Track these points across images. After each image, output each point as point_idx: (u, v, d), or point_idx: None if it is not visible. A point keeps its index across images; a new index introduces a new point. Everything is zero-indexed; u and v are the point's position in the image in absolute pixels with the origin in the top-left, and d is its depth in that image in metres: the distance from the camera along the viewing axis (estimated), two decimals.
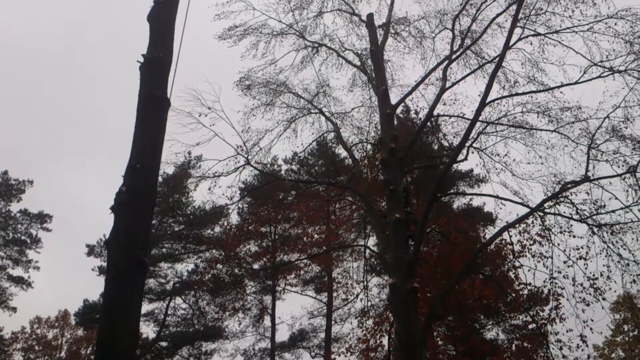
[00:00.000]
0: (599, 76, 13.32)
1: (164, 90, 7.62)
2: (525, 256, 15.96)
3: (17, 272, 33.59)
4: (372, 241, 19.64)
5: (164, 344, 29.65)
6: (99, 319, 22.68)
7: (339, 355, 20.03)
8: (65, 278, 54.84)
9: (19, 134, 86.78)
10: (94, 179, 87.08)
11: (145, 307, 28.69)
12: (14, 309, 33.67)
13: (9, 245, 33.45)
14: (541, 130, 14.79)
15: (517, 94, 14.63)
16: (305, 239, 25.22)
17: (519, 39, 13.91)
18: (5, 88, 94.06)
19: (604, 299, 13.30)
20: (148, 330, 30.00)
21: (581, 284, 13.46)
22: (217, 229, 28.75)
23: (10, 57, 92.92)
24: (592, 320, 13.41)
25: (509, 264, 17.50)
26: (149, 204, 6.97)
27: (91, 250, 29.93)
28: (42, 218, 34.18)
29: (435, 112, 14.71)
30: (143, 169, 6.89)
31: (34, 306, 48.34)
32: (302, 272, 27.97)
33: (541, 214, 13.73)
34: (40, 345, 39.88)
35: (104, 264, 28.11)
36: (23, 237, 33.83)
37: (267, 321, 30.17)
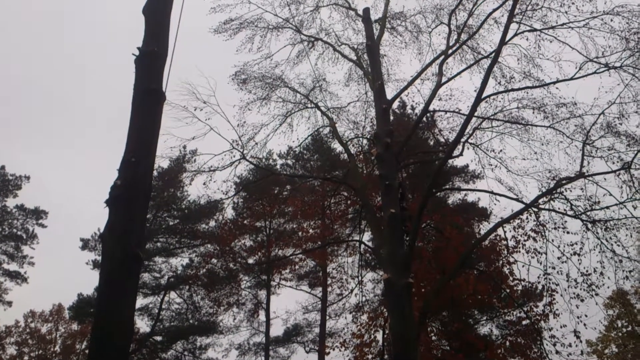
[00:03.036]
0: (595, 72, 13.34)
1: (160, 84, 7.59)
2: (520, 252, 16.04)
3: (13, 267, 33.68)
4: (367, 236, 19.71)
5: (158, 338, 29.65)
6: (93, 313, 22.67)
7: (334, 349, 20.08)
8: (58, 271, 54.69)
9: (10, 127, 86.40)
10: (87, 171, 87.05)
11: (140, 302, 28.67)
12: (10, 303, 33.72)
13: (5, 241, 33.42)
14: (536, 126, 14.85)
15: (512, 90, 14.63)
16: (300, 233, 25.21)
17: (515, 35, 13.94)
18: None
19: (597, 294, 13.38)
20: (142, 324, 30.03)
21: (575, 280, 13.54)
22: (212, 223, 28.73)
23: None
24: (585, 316, 13.52)
25: (504, 259, 17.57)
26: (143, 197, 6.94)
27: (85, 244, 29.84)
28: (38, 214, 34.13)
29: (431, 108, 14.70)
30: (138, 162, 6.86)
31: (27, 300, 48.28)
32: (296, 266, 28.05)
33: (536, 209, 13.77)
34: (34, 339, 39.77)
35: (99, 258, 28.03)
36: (19, 233, 33.80)
37: (261, 316, 30.24)
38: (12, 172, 34.36)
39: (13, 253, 33.46)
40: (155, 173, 22.98)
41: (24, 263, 33.62)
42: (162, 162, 23.09)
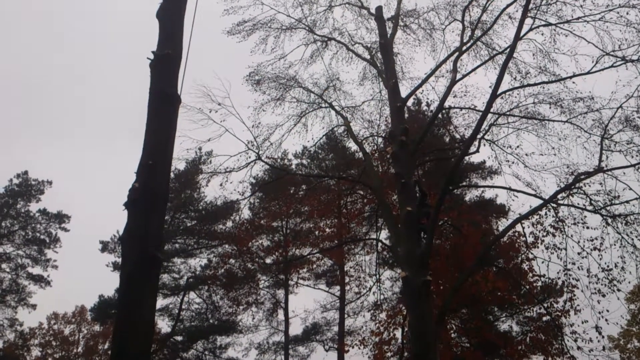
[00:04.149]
0: (611, 66, 13.15)
1: (175, 88, 7.67)
2: (539, 248, 15.89)
3: (36, 270, 34.22)
4: (384, 234, 19.65)
5: (179, 338, 29.90)
6: (114, 314, 22.89)
7: (353, 347, 20.07)
8: (78, 272, 55.35)
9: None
10: (105, 174, 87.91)
11: (160, 302, 28.94)
12: (34, 306, 34.20)
13: (29, 245, 33.98)
14: (553, 121, 14.71)
15: (528, 85, 14.53)
16: (316, 233, 25.24)
17: (530, 29, 13.81)
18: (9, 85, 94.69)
19: (618, 289, 13.24)
20: (163, 324, 30.37)
21: (596, 275, 13.41)
22: (229, 224, 28.90)
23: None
24: (607, 311, 13.35)
25: (522, 256, 17.43)
26: (161, 200, 7.03)
27: (105, 247, 30.19)
28: (60, 218, 34.68)
29: (446, 104, 14.64)
30: (155, 165, 6.95)
31: (50, 302, 48.94)
32: (314, 266, 28.05)
33: (554, 205, 13.65)
34: (58, 341, 40.29)
35: (118, 260, 28.37)
36: (42, 237, 34.35)
37: (280, 315, 30.34)
38: (35, 177, 35.11)
39: (37, 257, 34.03)
40: (172, 175, 23.20)
41: (47, 267, 34.17)
42: (178, 164, 23.29)
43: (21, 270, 33.86)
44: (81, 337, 41.20)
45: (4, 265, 33.74)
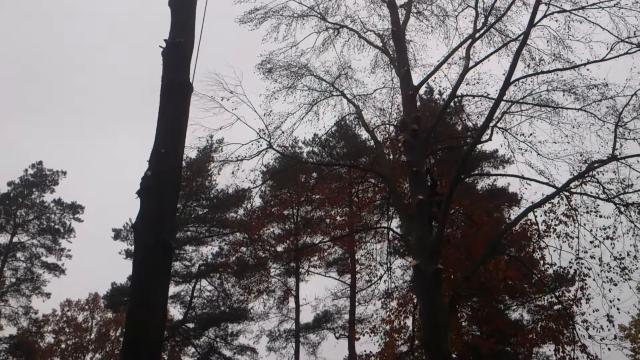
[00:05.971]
0: (626, 52, 13.01)
1: (187, 76, 7.66)
2: (551, 236, 15.82)
3: (51, 259, 34.78)
4: (395, 223, 19.67)
5: (190, 325, 30.19)
6: (127, 301, 23.13)
7: (363, 335, 20.14)
8: (91, 260, 55.92)
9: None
10: (116, 162, 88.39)
11: (172, 290, 29.22)
12: (48, 295, 34.72)
13: (43, 234, 34.42)
14: (567, 108, 14.57)
15: (542, 72, 14.39)
16: (327, 221, 25.27)
17: (544, 16, 13.63)
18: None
19: (630, 278, 13.18)
20: (175, 312, 30.65)
21: (608, 264, 13.35)
22: (241, 212, 29.01)
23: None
24: (618, 300, 13.31)
25: (534, 244, 17.36)
26: (174, 187, 7.05)
27: (117, 234, 30.46)
28: (74, 208, 35.17)
29: (458, 92, 14.52)
30: (167, 153, 6.97)
31: (62, 289, 49.40)
32: (325, 254, 28.11)
33: (567, 193, 13.59)
34: (71, 327, 40.70)
35: (131, 248, 28.61)
36: (56, 226, 34.77)
37: (291, 303, 30.50)
38: (50, 168, 35.54)
39: (51, 246, 34.49)
40: (183, 163, 23.25)
41: (61, 256, 34.65)
42: (190, 152, 23.35)
43: (35, 259, 34.36)
44: (94, 324, 41.59)
45: (19, 254, 34.27)
